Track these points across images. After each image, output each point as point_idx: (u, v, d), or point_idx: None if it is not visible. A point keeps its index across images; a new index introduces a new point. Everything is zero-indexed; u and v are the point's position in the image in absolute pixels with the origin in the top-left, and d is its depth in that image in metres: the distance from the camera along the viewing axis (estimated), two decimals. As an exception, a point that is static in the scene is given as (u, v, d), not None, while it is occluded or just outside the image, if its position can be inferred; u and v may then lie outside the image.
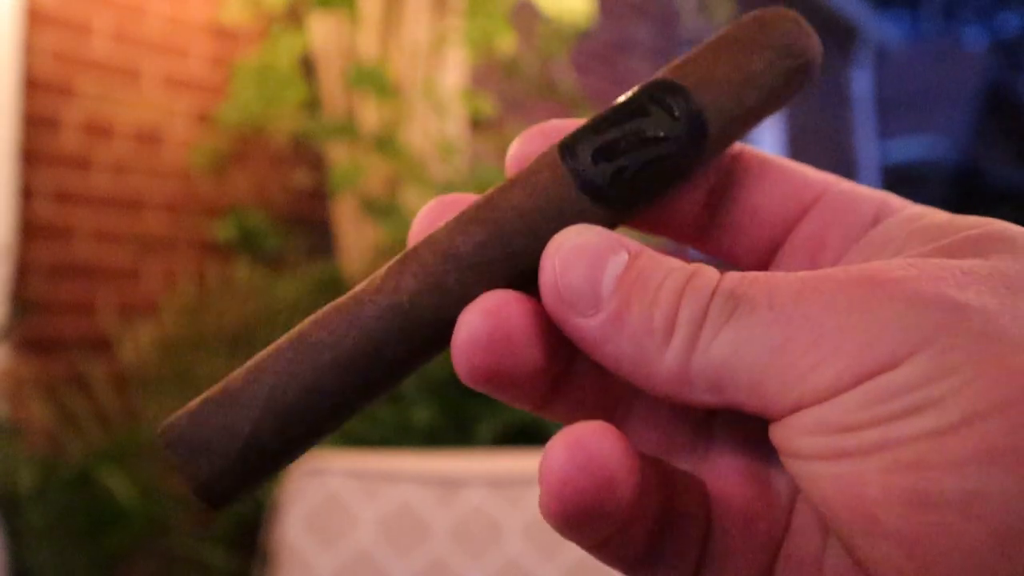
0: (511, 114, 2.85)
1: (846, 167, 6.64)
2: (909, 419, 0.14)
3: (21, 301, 1.86)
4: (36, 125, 1.94)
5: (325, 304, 0.19)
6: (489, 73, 2.67)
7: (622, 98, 0.20)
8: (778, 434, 0.16)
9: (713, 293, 0.16)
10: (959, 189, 10.26)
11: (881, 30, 7.05)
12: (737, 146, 0.21)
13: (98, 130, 2.04)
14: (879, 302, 0.15)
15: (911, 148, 10.03)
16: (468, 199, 0.20)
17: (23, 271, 1.88)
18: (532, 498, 0.96)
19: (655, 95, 0.19)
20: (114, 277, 2.05)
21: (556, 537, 0.89)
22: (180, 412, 0.18)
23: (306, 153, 2.39)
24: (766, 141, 5.33)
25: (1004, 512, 0.13)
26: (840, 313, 0.15)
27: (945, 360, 0.14)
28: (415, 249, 0.19)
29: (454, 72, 2.19)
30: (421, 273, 0.18)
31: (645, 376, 0.17)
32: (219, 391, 0.18)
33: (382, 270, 0.19)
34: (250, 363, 0.18)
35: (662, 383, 0.17)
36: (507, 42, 2.12)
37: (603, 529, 0.17)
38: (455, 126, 2.18)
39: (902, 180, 9.93)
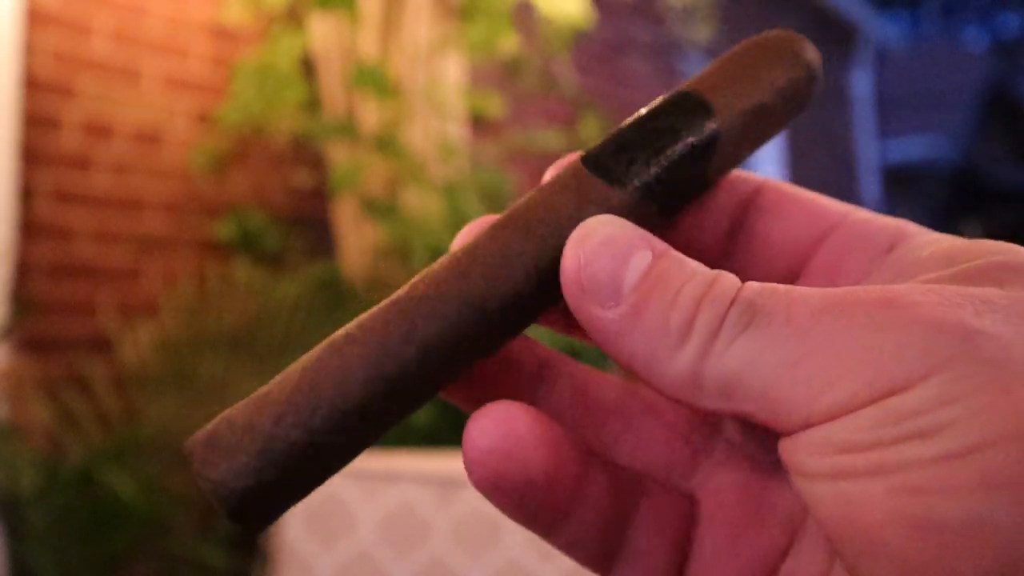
0: (512, 114, 2.85)
1: (846, 167, 6.64)
2: (916, 443, 0.14)
3: (21, 301, 1.86)
4: (36, 125, 1.94)
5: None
6: (490, 74, 2.67)
7: (643, 111, 0.20)
8: (787, 450, 0.16)
9: (732, 301, 0.16)
10: (959, 189, 10.26)
11: (881, 30, 7.05)
12: (759, 179, 0.22)
13: (98, 130, 2.04)
14: (898, 325, 0.15)
15: (911, 148, 10.03)
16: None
17: (23, 271, 1.88)
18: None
19: (676, 106, 0.20)
20: (114, 277, 2.05)
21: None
22: (217, 421, 0.17)
23: (306, 153, 2.39)
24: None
25: (1004, 541, 0.13)
26: (857, 333, 0.15)
27: (955, 386, 0.14)
28: (449, 258, 0.19)
29: (455, 72, 2.19)
30: (442, 281, 0.18)
31: (657, 375, 0.17)
32: (253, 398, 0.17)
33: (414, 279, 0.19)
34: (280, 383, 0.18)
35: (672, 384, 0.17)
36: (509, 44, 2.12)
37: (524, 501, 0.17)
38: (455, 126, 2.18)
39: (902, 180, 9.93)
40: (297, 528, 1.02)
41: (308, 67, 2.21)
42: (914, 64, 10.88)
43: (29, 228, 1.91)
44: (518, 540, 0.99)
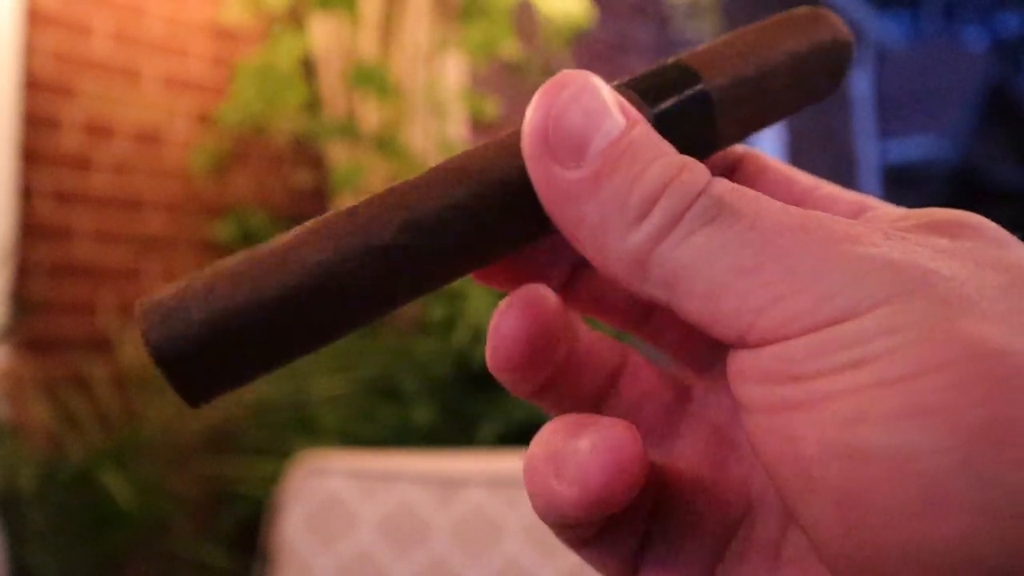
0: (512, 114, 2.85)
1: (846, 167, 6.64)
2: (851, 372, 0.14)
3: (21, 301, 1.86)
4: (36, 125, 1.94)
5: None
6: (491, 74, 2.67)
7: (634, 78, 0.19)
8: (733, 379, 0.16)
9: (701, 192, 0.16)
10: (959, 189, 10.26)
11: (881, 30, 7.05)
12: (743, 148, 0.22)
13: (98, 130, 2.04)
14: (855, 258, 0.15)
15: (911, 148, 10.03)
16: None
17: (23, 271, 1.88)
18: (532, 498, 0.95)
19: (667, 76, 0.19)
20: (114, 277, 2.05)
21: (556, 538, 0.89)
22: (170, 288, 0.16)
23: (306, 153, 2.39)
24: (766, 141, 5.33)
25: (927, 470, 0.13)
26: (817, 257, 0.15)
27: (899, 318, 0.14)
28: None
29: (455, 73, 2.19)
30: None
31: (602, 250, 0.16)
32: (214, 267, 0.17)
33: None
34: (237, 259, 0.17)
35: (616, 263, 0.16)
36: (509, 46, 2.12)
37: (537, 374, 0.18)
38: (455, 127, 2.18)
39: (902, 180, 9.92)
40: (297, 528, 1.02)
41: (308, 67, 2.21)
42: (914, 64, 10.88)
43: (29, 228, 1.91)
44: (518, 540, 0.99)
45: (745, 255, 0.15)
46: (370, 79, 1.92)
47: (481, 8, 2.10)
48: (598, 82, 0.17)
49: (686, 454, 0.19)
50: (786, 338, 0.15)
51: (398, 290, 0.17)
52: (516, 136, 0.18)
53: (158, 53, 2.16)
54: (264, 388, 1.75)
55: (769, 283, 0.15)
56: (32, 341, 1.87)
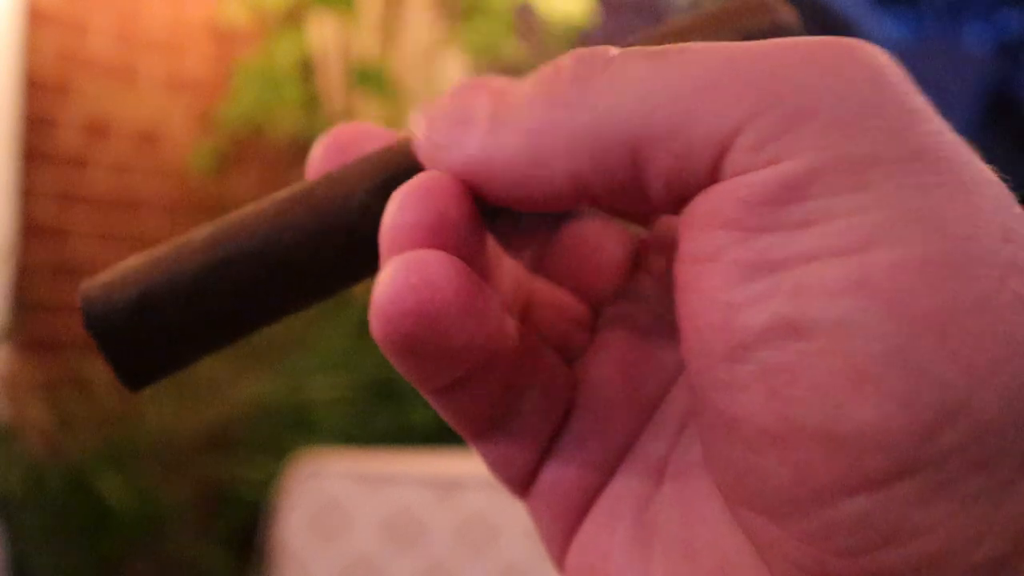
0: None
1: (847, 167, 6.65)
2: (798, 233, 0.13)
3: (21, 301, 1.85)
4: (36, 125, 1.94)
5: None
6: (491, 74, 2.67)
7: None
8: (697, 219, 0.14)
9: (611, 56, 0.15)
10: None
11: (882, 29, 7.05)
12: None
13: (97, 130, 2.04)
14: (819, 46, 0.14)
15: (912, 148, 10.01)
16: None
17: (23, 271, 1.88)
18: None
19: None
20: (114, 277, 2.04)
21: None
22: (103, 274, 0.18)
23: (306, 153, 2.38)
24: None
25: (862, 350, 0.12)
26: (767, 56, 0.14)
27: (855, 162, 0.13)
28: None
29: (455, 72, 2.19)
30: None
31: (547, 151, 0.14)
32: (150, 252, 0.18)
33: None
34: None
35: (517, 156, 0.15)
36: (510, 47, 2.12)
37: (432, 356, 0.15)
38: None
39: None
40: (296, 529, 1.02)
41: (307, 67, 2.21)
42: (915, 63, 10.84)
43: (29, 228, 1.91)
44: (518, 541, 0.98)
45: (693, 77, 0.14)
46: (370, 79, 1.92)
47: (482, 7, 2.10)
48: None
49: (603, 360, 0.18)
50: (755, 168, 0.13)
51: (271, 294, 0.17)
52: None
53: (157, 53, 2.16)
54: (263, 389, 1.75)
55: (723, 96, 0.13)
56: (32, 341, 1.87)
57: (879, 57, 0.14)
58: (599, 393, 0.18)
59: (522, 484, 0.18)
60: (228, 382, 1.77)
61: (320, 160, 0.20)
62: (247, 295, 0.17)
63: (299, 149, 2.38)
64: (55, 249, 1.95)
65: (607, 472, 0.18)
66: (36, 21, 1.94)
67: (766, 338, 0.13)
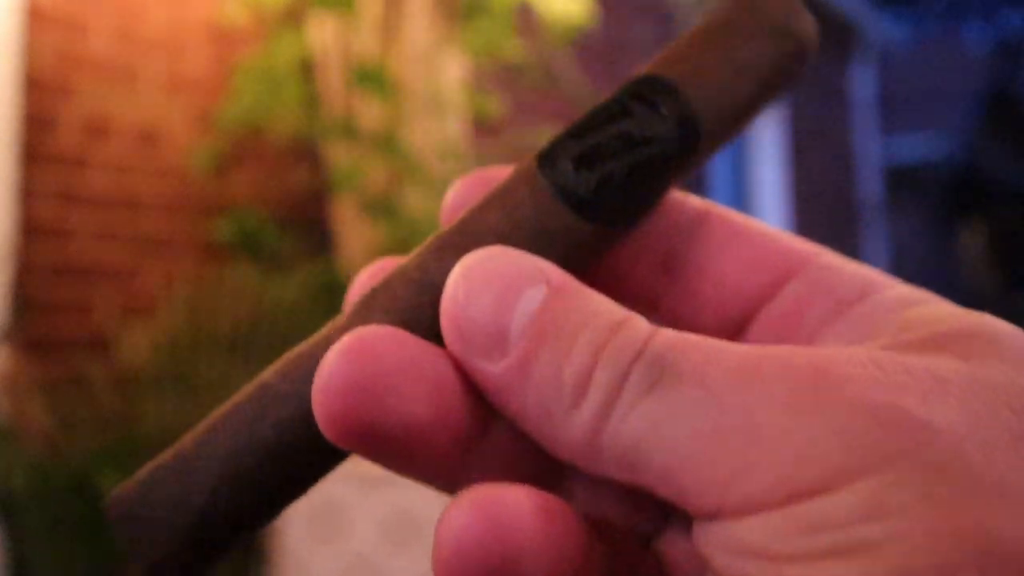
0: (513, 114, 2.84)
1: (847, 167, 6.64)
2: (835, 561, 0.12)
3: (21, 301, 1.85)
4: (36, 125, 1.94)
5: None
6: (491, 73, 2.67)
7: (604, 100, 0.18)
8: (699, 540, 0.14)
9: (638, 354, 0.14)
10: (961, 188, 10.25)
11: (882, 29, 7.05)
12: (703, 205, 0.19)
13: (97, 130, 2.04)
14: (823, 407, 0.13)
15: (913, 147, 10.02)
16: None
17: (23, 271, 1.88)
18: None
19: (639, 93, 0.17)
20: (113, 277, 2.04)
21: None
22: (129, 481, 0.16)
23: (306, 153, 2.39)
24: (766, 140, 5.32)
25: None
26: (777, 411, 0.13)
27: (889, 497, 0.12)
28: (385, 282, 0.16)
29: (455, 72, 2.18)
30: (393, 308, 0.16)
31: (550, 439, 0.14)
32: (171, 457, 0.16)
33: (348, 309, 0.16)
34: (206, 422, 0.16)
35: (568, 450, 0.14)
36: (511, 48, 2.12)
37: None
38: (456, 126, 2.17)
39: (904, 179, 9.92)
40: (297, 529, 1.02)
41: (307, 67, 2.21)
42: (915, 63, 10.88)
43: (29, 228, 1.91)
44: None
45: (697, 420, 0.13)
46: (370, 79, 1.92)
47: (482, 7, 2.10)
48: (509, 252, 0.15)
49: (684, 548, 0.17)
50: (760, 511, 0.13)
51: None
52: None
53: (157, 52, 2.16)
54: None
55: (729, 453, 0.13)
56: (32, 341, 1.87)
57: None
58: None
59: None
60: (227, 382, 1.77)
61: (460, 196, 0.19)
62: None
63: (298, 149, 2.38)
64: (55, 249, 1.95)
65: None
66: (36, 21, 1.94)
67: None
